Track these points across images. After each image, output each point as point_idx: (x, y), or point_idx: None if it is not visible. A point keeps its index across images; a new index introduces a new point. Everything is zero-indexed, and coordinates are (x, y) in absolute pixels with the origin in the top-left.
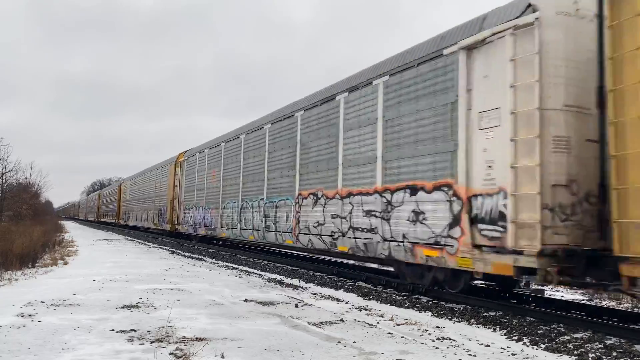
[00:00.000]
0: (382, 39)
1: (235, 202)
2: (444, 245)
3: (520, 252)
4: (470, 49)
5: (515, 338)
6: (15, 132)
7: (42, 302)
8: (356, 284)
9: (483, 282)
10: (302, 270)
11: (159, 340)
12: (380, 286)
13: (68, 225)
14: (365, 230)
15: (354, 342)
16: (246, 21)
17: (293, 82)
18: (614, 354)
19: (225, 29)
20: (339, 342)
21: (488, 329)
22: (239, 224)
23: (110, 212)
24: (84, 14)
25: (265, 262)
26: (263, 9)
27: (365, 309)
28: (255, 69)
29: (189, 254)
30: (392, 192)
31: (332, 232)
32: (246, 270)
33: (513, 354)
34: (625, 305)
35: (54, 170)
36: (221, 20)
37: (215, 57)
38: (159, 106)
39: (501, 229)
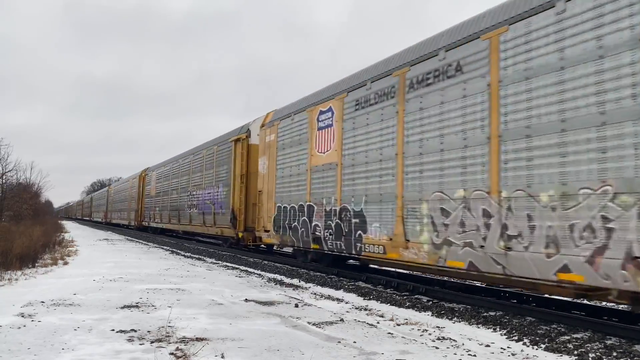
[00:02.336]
0: (409, 41)
1: None
2: None
3: None
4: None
5: (516, 338)
6: (30, 132)
7: (42, 302)
8: (356, 284)
9: None
10: (302, 270)
11: (159, 340)
12: (380, 286)
13: (68, 225)
14: None
15: (354, 342)
16: (272, 25)
17: (314, 82)
18: (614, 354)
19: (251, 33)
20: (339, 342)
21: (488, 329)
22: None
23: (197, 210)
24: (116, 17)
25: (265, 262)
26: (290, 13)
27: (366, 309)
28: (277, 71)
29: (189, 254)
30: None
31: None
32: (246, 270)
33: (513, 354)
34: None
35: (61, 170)
36: (249, 24)
37: (239, 61)
38: (175, 107)
39: None
